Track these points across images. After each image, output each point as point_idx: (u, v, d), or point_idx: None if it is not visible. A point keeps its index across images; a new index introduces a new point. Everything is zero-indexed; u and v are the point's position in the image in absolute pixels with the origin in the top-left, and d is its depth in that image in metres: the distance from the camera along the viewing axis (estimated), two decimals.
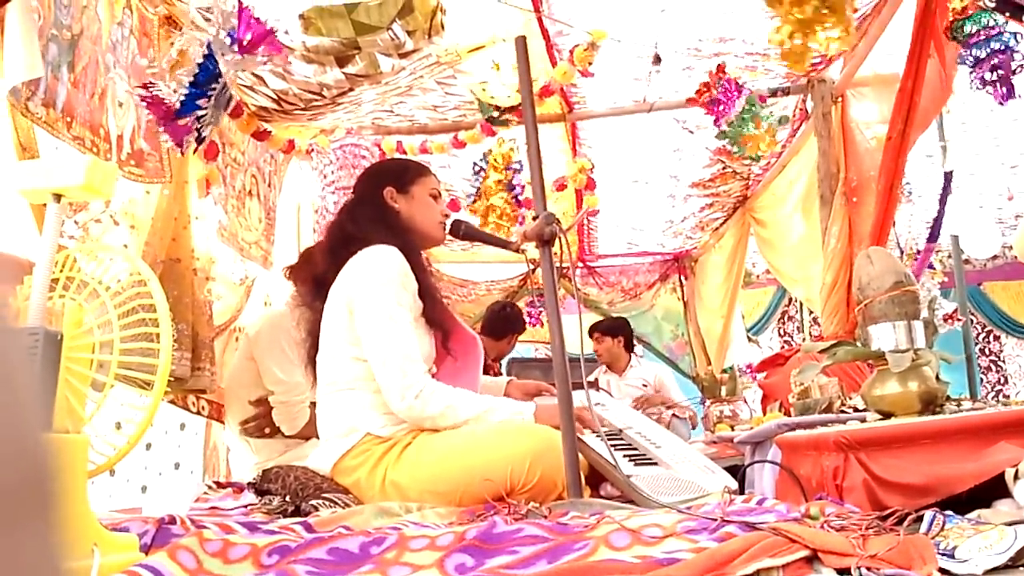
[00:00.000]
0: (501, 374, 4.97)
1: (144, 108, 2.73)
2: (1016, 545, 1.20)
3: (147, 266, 1.62)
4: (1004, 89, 2.68)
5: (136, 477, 3.59)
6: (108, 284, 1.60)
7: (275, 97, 3.66)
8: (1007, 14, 2.03)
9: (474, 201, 4.62)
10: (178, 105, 2.67)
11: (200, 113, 2.71)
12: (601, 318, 6.70)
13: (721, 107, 3.92)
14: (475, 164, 4.64)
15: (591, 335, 6.11)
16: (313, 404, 3.31)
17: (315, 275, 2.56)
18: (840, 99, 4.25)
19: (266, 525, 1.77)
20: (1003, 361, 10.31)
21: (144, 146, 3.01)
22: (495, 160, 4.52)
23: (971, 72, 2.75)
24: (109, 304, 1.53)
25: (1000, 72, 2.67)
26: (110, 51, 2.83)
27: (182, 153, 2.84)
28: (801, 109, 4.62)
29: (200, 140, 2.82)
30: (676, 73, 4.21)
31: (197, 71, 2.67)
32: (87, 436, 1.50)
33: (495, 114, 4.14)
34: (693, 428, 5.63)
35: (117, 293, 1.57)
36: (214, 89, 2.72)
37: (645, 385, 5.97)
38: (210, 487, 2.79)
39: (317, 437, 3.23)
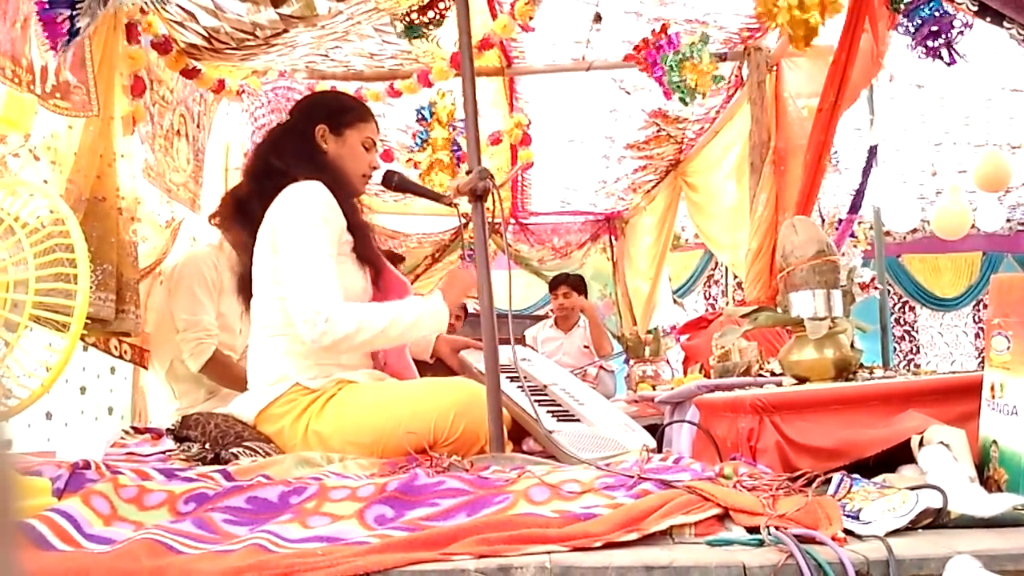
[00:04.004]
0: None
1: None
2: (917, 508, 1.25)
3: (65, 204, 1.56)
4: (948, 54, 2.75)
5: (74, 421, 3.50)
6: (25, 221, 1.55)
7: (206, 35, 3.54)
8: (987, 19, 2.05)
9: (420, 150, 4.54)
10: None
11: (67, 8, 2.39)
12: (558, 274, 6.57)
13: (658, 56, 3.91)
14: (418, 111, 4.54)
15: (557, 288, 6.08)
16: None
17: (238, 198, 2.48)
18: (775, 68, 4.29)
19: (184, 472, 1.75)
20: (917, 331, 10.68)
21: (71, 78, 2.88)
22: (440, 115, 4.45)
23: (912, 39, 2.81)
24: (24, 242, 1.48)
25: (942, 38, 2.74)
26: None
27: (55, 51, 2.51)
28: (737, 76, 4.66)
29: (73, 34, 2.51)
30: (616, 33, 4.20)
31: None
32: None
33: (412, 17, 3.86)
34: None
35: (34, 231, 1.52)
36: None
37: (587, 347, 6.01)
38: (127, 432, 2.73)
39: (229, 386, 3.21)
